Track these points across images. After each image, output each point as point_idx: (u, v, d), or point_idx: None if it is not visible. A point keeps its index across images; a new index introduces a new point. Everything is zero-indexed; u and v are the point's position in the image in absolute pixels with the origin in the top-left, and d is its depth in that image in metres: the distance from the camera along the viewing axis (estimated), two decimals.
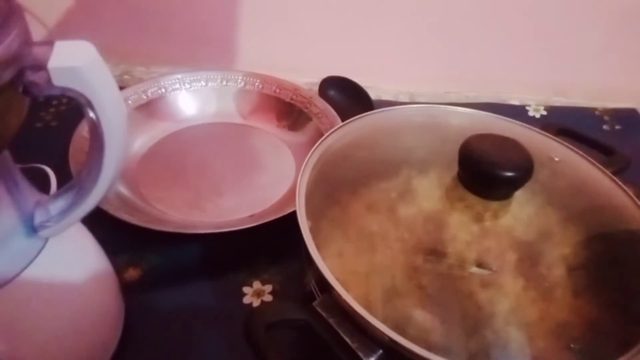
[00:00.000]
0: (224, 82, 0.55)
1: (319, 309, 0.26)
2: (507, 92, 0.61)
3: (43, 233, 0.27)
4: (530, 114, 0.59)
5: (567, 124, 0.43)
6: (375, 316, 0.25)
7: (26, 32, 0.22)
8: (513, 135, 0.31)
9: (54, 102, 0.54)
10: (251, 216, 0.43)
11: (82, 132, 0.45)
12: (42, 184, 0.36)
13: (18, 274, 0.26)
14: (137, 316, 0.36)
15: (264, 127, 0.53)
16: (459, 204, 0.31)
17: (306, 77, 0.57)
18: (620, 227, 0.32)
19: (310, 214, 0.30)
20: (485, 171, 0.30)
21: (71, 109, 0.54)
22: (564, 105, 0.60)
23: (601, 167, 0.34)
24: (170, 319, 0.37)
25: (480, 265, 0.28)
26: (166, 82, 0.53)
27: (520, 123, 0.38)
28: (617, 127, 0.58)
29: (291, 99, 0.54)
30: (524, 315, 0.27)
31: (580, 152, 0.36)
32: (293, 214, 0.29)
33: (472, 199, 0.30)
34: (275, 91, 0.54)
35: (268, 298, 0.39)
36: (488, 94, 0.61)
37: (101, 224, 0.32)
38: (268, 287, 0.39)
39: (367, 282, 0.28)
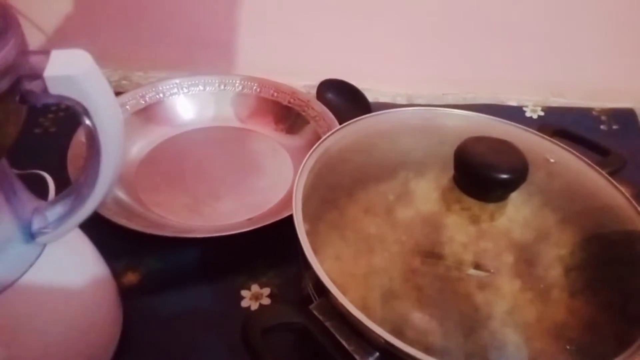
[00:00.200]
0: (222, 86, 0.55)
1: (315, 312, 0.26)
2: (505, 93, 0.61)
3: (41, 239, 0.27)
4: (528, 114, 0.59)
5: (564, 125, 0.43)
6: (373, 319, 0.25)
7: (23, 42, 0.22)
8: (509, 137, 0.31)
9: (53, 108, 0.55)
10: (249, 220, 0.43)
11: (81, 138, 0.45)
12: (40, 190, 0.37)
13: (16, 280, 0.26)
14: (135, 320, 0.36)
15: (262, 131, 0.53)
16: (456, 206, 0.31)
17: (304, 80, 0.57)
18: (616, 228, 0.32)
19: (307, 217, 0.30)
20: (480, 174, 0.30)
21: (70, 115, 0.54)
22: (561, 105, 0.60)
23: (597, 167, 0.34)
24: (169, 323, 0.37)
25: (477, 267, 0.29)
26: (164, 87, 0.54)
27: (516, 124, 0.38)
28: (615, 127, 0.58)
29: (289, 102, 0.54)
30: (521, 316, 0.27)
31: (576, 153, 0.36)
32: (291, 217, 0.30)
33: (469, 201, 0.31)
34: (272, 95, 0.54)
35: (266, 301, 0.39)
36: (486, 95, 0.61)
37: (99, 229, 0.32)
38: (266, 290, 0.39)
39: (364, 284, 0.28)
